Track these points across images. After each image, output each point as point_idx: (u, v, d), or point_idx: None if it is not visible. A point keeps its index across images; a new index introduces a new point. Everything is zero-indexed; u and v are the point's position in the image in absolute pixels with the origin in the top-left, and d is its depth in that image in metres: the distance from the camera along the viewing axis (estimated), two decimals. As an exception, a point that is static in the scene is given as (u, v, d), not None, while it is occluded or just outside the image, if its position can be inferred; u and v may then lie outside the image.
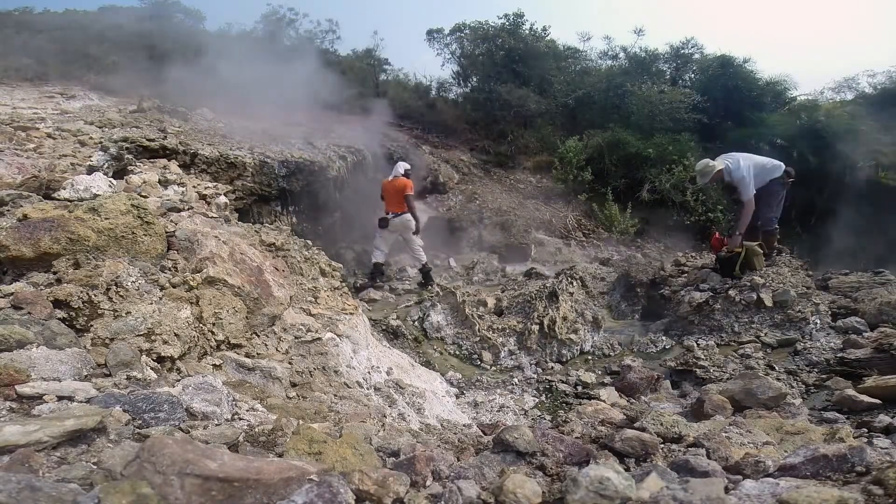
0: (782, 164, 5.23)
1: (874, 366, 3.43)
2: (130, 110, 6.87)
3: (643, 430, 1.88)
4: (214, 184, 4.94)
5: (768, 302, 4.63)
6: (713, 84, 12.48)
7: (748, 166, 5.10)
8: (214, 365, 2.41)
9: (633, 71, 13.12)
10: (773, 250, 5.39)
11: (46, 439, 1.10)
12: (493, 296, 5.50)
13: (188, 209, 3.33)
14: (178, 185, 4.01)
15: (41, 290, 2.03)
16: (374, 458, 1.46)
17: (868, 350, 3.67)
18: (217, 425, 1.51)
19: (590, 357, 4.83)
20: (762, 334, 4.49)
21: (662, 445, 1.80)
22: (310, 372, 2.84)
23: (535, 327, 4.83)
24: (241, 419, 1.75)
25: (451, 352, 4.80)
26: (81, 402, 1.41)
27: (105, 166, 3.81)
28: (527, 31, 13.25)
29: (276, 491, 1.00)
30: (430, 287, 6.18)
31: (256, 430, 1.55)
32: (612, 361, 4.66)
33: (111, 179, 3.38)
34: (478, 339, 4.82)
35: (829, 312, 4.66)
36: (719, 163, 5.21)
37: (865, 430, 2.48)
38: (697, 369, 4.06)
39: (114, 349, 1.88)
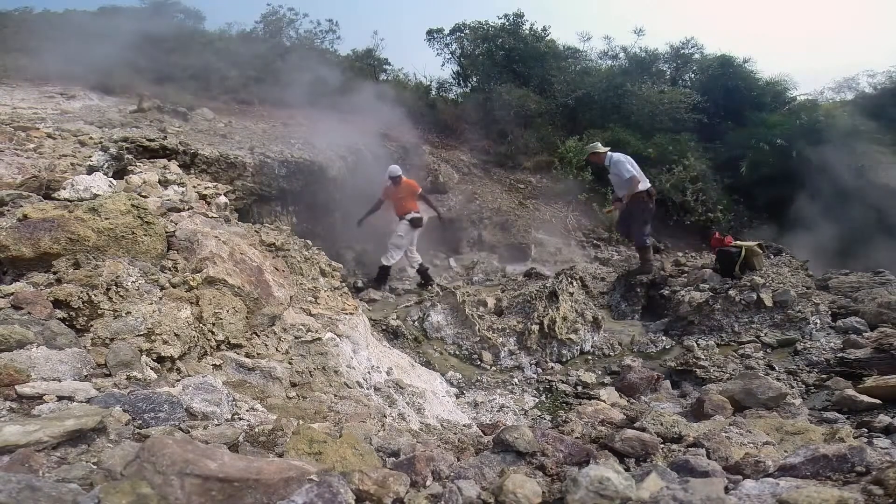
0: (649, 183, 6.03)
1: (874, 366, 3.43)
2: (130, 110, 6.86)
3: (643, 430, 1.88)
4: (214, 184, 4.93)
5: (768, 302, 4.63)
6: (713, 84, 12.45)
7: (630, 160, 5.93)
8: (214, 365, 2.41)
9: (633, 71, 13.09)
10: (647, 262, 6.10)
11: (46, 439, 1.10)
12: (493, 296, 5.49)
13: (188, 209, 3.33)
14: (178, 185, 4.00)
15: (41, 290, 2.03)
16: (374, 458, 1.46)
17: (868, 350, 3.68)
18: (217, 425, 1.51)
19: (590, 357, 4.82)
20: (762, 334, 4.49)
21: (662, 445, 1.81)
22: (310, 372, 2.84)
23: (535, 327, 4.82)
24: (241, 419, 1.75)
25: (451, 352, 4.79)
26: (81, 402, 1.41)
27: (105, 166, 3.81)
28: (527, 32, 13.21)
29: (276, 491, 1.00)
30: (430, 287, 6.18)
31: (256, 430, 1.55)
32: (612, 361, 4.66)
33: (111, 179, 3.38)
34: (478, 339, 4.82)
35: (829, 312, 4.66)
36: (605, 150, 6.11)
37: (865, 430, 2.49)
38: (697, 369, 4.06)
39: (114, 349, 1.88)
